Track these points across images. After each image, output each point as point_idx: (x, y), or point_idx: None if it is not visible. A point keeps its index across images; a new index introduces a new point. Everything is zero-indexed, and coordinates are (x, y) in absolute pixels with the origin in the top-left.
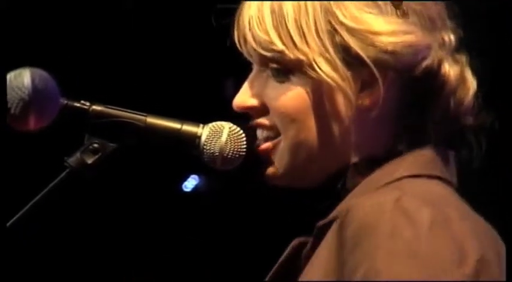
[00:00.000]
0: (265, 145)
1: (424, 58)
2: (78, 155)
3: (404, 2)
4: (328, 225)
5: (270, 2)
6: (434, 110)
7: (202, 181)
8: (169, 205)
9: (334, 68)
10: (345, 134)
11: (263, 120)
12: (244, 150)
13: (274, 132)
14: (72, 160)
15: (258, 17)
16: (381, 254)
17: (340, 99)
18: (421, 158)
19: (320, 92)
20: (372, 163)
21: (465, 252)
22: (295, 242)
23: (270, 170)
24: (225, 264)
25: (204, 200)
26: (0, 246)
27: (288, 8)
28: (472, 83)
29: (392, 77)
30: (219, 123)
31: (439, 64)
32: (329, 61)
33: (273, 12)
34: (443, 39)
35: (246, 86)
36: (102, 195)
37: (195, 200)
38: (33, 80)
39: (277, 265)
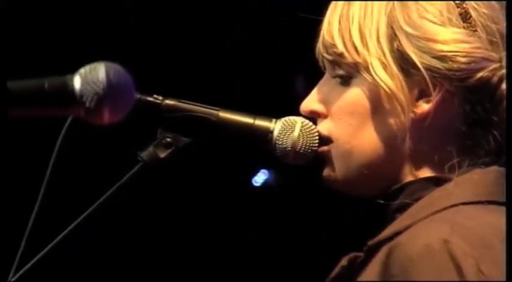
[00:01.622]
0: (322, 148)
1: (478, 69)
2: (151, 149)
3: (474, 16)
4: (379, 246)
5: (341, 7)
6: (494, 127)
7: (272, 176)
8: (239, 199)
9: (390, 73)
10: (400, 143)
11: (320, 128)
12: (317, 145)
13: (328, 138)
14: (145, 154)
15: (329, 22)
16: None
17: (395, 107)
18: (483, 180)
19: (375, 98)
20: (431, 181)
21: None
22: (343, 262)
23: (325, 173)
24: (292, 260)
25: (274, 195)
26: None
27: (355, 12)
28: None
29: (448, 87)
30: (291, 118)
31: (501, 80)
32: (385, 65)
33: (341, 16)
34: (503, 55)
35: (314, 91)
36: (173, 189)
37: (265, 195)
38: (108, 74)
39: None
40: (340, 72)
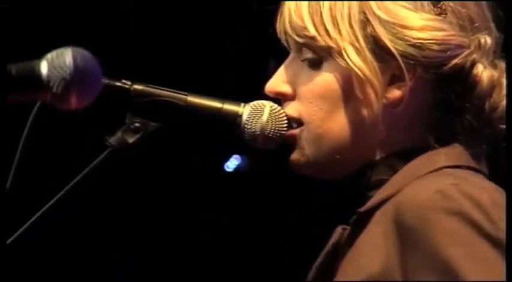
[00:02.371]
0: (291, 131)
1: (453, 56)
2: (119, 134)
3: (444, 2)
4: (371, 213)
5: None
6: (466, 112)
7: (244, 161)
8: (211, 185)
9: (363, 58)
10: (372, 128)
11: (289, 110)
12: (285, 129)
13: (298, 122)
14: (113, 139)
15: (296, 4)
16: (457, 244)
17: (368, 91)
18: (455, 152)
19: (348, 82)
20: (403, 157)
21: None
22: (339, 229)
23: (294, 157)
24: (265, 244)
25: (246, 180)
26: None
27: None
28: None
29: (421, 73)
30: (260, 102)
31: (472, 65)
32: (358, 50)
33: None
34: (480, 41)
35: (279, 72)
36: (143, 174)
37: (237, 180)
38: (75, 59)
39: (324, 254)
40: (309, 55)
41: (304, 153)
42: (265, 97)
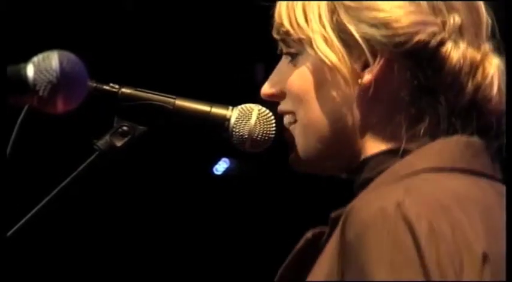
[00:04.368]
0: (291, 124)
1: (415, 33)
2: (107, 137)
3: None
4: (339, 217)
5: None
6: (441, 93)
7: (233, 164)
8: (200, 188)
9: (331, 46)
10: (349, 115)
11: (282, 106)
12: (274, 132)
13: (293, 117)
14: (101, 143)
15: (280, 5)
16: (382, 265)
17: (338, 79)
18: (446, 149)
19: (321, 72)
20: (390, 153)
21: (468, 256)
22: (308, 235)
23: (291, 156)
24: (255, 248)
25: (235, 183)
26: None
27: None
28: (493, 72)
29: (387, 55)
30: (248, 105)
31: (439, 44)
32: (326, 39)
33: None
34: (447, 20)
35: (271, 75)
36: (131, 178)
37: (226, 183)
38: (61, 63)
39: (289, 258)
40: (290, 50)
41: (298, 149)
42: (256, 101)
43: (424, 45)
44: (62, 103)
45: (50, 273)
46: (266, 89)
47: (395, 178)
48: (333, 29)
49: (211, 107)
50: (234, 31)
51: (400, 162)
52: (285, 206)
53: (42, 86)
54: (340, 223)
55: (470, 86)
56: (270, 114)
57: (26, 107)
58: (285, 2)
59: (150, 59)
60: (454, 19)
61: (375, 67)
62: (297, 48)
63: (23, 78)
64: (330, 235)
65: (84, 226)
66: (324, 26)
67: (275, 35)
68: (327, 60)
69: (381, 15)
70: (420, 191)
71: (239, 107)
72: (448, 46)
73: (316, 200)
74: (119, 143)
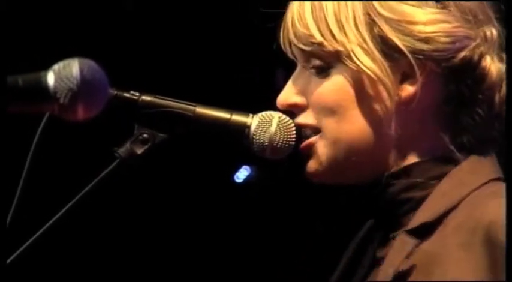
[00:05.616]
0: (307, 142)
1: (461, 48)
2: (128, 145)
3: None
4: (436, 222)
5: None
6: (478, 105)
7: (254, 172)
8: (221, 196)
9: (372, 59)
10: (387, 127)
11: (304, 119)
12: (294, 139)
13: (315, 130)
14: (122, 150)
15: (299, 13)
16: None
17: (380, 91)
18: (493, 161)
19: (359, 84)
20: (439, 160)
21: None
22: (405, 240)
23: (312, 166)
24: (276, 255)
25: (256, 191)
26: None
27: (328, 2)
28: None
29: (432, 68)
30: (268, 112)
31: (480, 58)
32: (367, 52)
33: (313, 7)
34: (485, 33)
35: (289, 84)
36: (152, 186)
37: (247, 191)
38: (81, 70)
39: (394, 263)
40: (317, 62)
41: (321, 160)
42: (275, 108)
43: (468, 60)
44: (83, 111)
45: (69, 278)
46: (288, 98)
47: (474, 187)
48: (373, 41)
49: (231, 114)
50: (234, 31)
51: (460, 169)
52: (305, 214)
53: (62, 94)
54: (467, 227)
55: (498, 98)
56: (290, 121)
57: (46, 115)
58: (309, 11)
59: (150, 59)
60: (492, 32)
61: (419, 80)
62: (328, 61)
63: (44, 86)
64: (419, 238)
65: (105, 233)
66: (363, 38)
67: (300, 45)
68: (370, 73)
69: (428, 29)
70: None
71: (259, 114)
72: (488, 60)
73: (334, 208)
74: (139, 151)
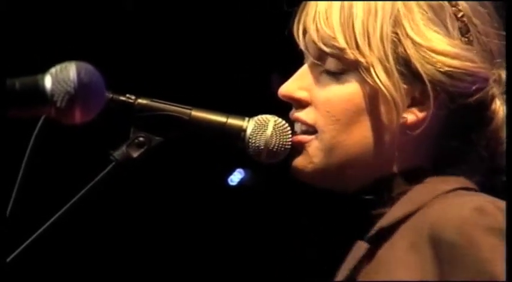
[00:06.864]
0: (302, 137)
1: (479, 89)
2: (123, 148)
3: (472, 31)
4: (392, 228)
5: (340, 1)
6: (477, 143)
7: (248, 175)
8: (214, 199)
9: (390, 77)
10: (386, 147)
11: (304, 116)
12: (290, 143)
13: (313, 128)
14: (117, 153)
15: (326, 12)
16: (498, 259)
17: (389, 110)
18: (461, 179)
19: (371, 99)
20: (419, 174)
21: None
22: (363, 245)
23: (301, 163)
24: (270, 258)
25: (250, 194)
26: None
27: (358, 9)
28: None
29: (444, 101)
30: (264, 116)
31: (491, 100)
32: (387, 69)
33: (342, 10)
34: (500, 76)
35: (296, 77)
36: (146, 188)
37: (241, 194)
38: (79, 73)
39: (349, 269)
40: (333, 65)
41: (312, 160)
42: (269, 111)
43: (482, 100)
44: (79, 114)
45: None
46: (293, 91)
47: (439, 193)
48: (395, 60)
49: (227, 117)
50: (233, 31)
51: (430, 181)
52: (299, 217)
53: (59, 97)
54: (416, 229)
55: (494, 140)
56: (286, 125)
57: (42, 118)
58: (337, 11)
59: (150, 59)
60: (501, 75)
61: (427, 108)
62: (346, 67)
63: (41, 88)
64: (378, 245)
65: (99, 235)
66: (386, 54)
67: (320, 45)
68: (385, 91)
69: (454, 64)
70: (488, 197)
71: (255, 117)
72: (498, 103)
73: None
74: (135, 154)
